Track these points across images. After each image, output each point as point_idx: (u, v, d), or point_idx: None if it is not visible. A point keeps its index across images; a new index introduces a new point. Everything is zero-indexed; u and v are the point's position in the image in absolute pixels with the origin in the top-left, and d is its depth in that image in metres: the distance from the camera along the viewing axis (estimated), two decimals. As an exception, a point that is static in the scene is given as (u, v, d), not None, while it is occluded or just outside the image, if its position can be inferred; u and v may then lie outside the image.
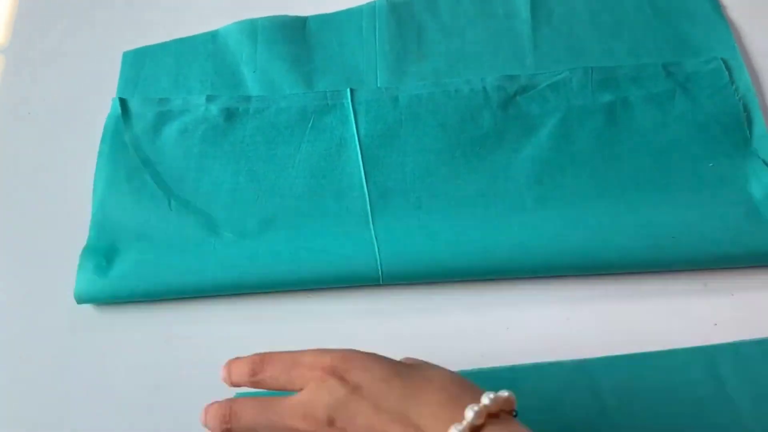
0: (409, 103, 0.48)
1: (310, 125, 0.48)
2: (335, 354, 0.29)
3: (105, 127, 0.48)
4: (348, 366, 0.28)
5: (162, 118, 0.48)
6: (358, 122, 0.48)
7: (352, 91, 0.49)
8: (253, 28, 0.53)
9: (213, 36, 0.53)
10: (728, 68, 0.49)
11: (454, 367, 0.38)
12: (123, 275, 0.41)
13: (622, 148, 0.46)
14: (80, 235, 0.44)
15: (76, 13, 0.57)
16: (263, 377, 0.30)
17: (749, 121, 0.47)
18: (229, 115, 0.48)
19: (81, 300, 0.42)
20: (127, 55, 0.53)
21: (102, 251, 0.43)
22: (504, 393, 0.27)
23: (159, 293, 0.42)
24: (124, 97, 0.50)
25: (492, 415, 0.26)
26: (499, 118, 0.48)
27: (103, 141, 0.47)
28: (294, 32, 0.53)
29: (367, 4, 0.54)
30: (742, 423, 0.37)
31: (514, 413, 0.28)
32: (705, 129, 0.47)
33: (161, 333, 0.41)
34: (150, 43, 0.53)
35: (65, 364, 0.41)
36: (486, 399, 0.26)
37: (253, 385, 0.30)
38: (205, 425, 0.30)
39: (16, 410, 0.39)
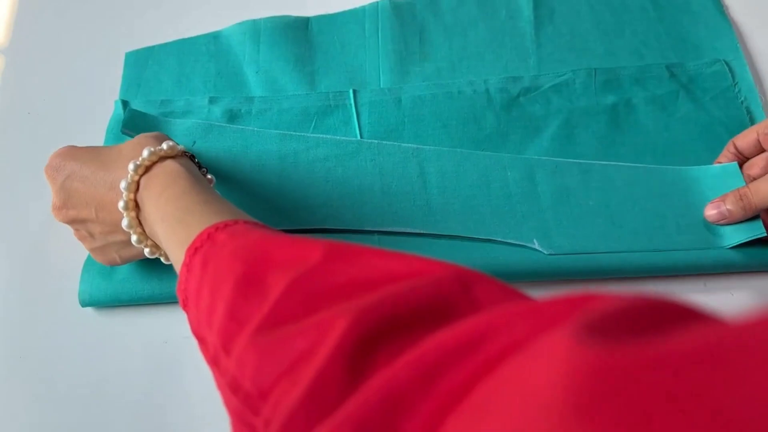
0: (411, 104, 0.48)
1: (312, 126, 0.48)
2: (53, 155, 0.38)
3: (108, 129, 0.48)
4: (59, 161, 0.37)
5: (165, 120, 0.48)
6: (360, 123, 0.48)
7: (354, 92, 0.49)
8: (255, 29, 0.52)
9: (215, 36, 0.53)
10: (731, 70, 0.49)
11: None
12: (126, 278, 0.41)
13: (624, 150, 0.46)
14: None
15: (77, 14, 0.57)
16: None
17: (752, 123, 0.47)
18: (232, 116, 0.48)
19: (85, 303, 0.42)
20: (129, 56, 0.53)
21: None
22: (180, 147, 0.36)
23: (162, 297, 0.42)
24: (127, 96, 0.50)
25: (169, 157, 0.35)
26: (502, 119, 0.48)
27: (106, 142, 0.47)
28: (296, 33, 0.53)
29: (370, 4, 0.54)
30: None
31: (194, 159, 0.38)
32: (708, 131, 0.47)
33: (159, 333, 0.42)
34: (152, 44, 0.53)
35: (66, 363, 0.41)
36: (165, 145, 0.35)
37: None
38: None
39: (18, 410, 0.39)
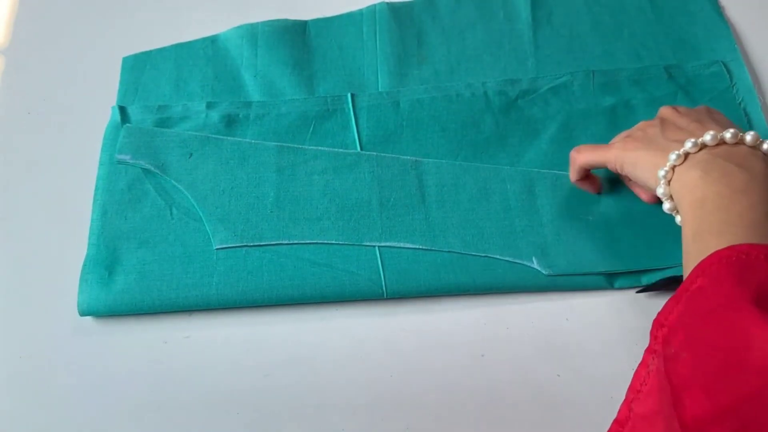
0: (410, 107, 0.48)
1: (311, 131, 0.48)
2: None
3: (105, 136, 0.48)
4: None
5: (162, 126, 0.48)
6: (359, 127, 0.48)
7: (353, 96, 0.49)
8: (253, 33, 0.52)
9: (213, 41, 0.53)
10: (729, 71, 0.49)
11: (456, 366, 0.39)
12: (126, 289, 0.41)
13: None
14: (80, 239, 0.44)
15: (76, 15, 0.57)
16: None
17: (750, 124, 0.47)
18: (230, 121, 0.48)
19: (84, 313, 0.41)
20: (126, 61, 0.52)
21: (104, 263, 0.42)
22: (749, 135, 0.35)
23: (162, 307, 0.42)
24: (125, 101, 0.50)
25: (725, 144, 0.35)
26: (500, 122, 0.48)
27: (103, 150, 0.47)
28: (294, 36, 0.53)
29: (368, 7, 0.54)
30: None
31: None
32: (707, 132, 0.47)
33: (159, 333, 0.42)
34: (149, 48, 0.53)
35: (66, 362, 0.41)
36: (728, 133, 0.35)
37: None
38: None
39: (18, 410, 0.39)
